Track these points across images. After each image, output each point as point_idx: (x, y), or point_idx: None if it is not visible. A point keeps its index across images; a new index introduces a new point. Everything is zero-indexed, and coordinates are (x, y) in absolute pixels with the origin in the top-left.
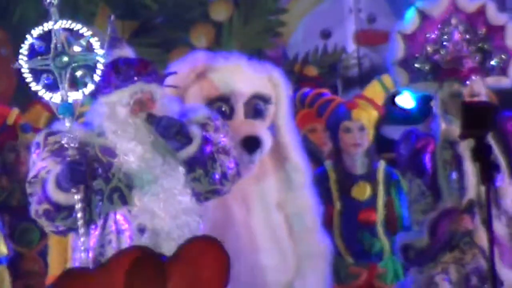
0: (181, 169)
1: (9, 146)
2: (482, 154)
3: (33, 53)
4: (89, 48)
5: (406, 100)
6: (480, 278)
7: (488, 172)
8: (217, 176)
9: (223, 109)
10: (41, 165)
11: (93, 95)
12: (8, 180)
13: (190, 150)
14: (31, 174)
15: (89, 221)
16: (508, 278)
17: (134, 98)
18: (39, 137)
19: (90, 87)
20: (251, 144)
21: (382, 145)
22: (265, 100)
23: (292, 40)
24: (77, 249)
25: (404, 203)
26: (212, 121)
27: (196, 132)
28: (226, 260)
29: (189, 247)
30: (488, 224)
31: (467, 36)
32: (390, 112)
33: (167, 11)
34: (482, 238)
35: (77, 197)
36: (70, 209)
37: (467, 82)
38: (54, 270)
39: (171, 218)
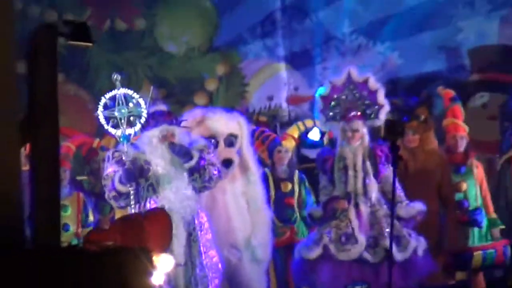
0: (185, 174)
1: (94, 159)
2: (394, 151)
3: (106, 107)
4: (137, 104)
5: (316, 134)
6: (346, 237)
7: (395, 162)
8: (206, 178)
9: (212, 141)
10: (111, 169)
11: (140, 131)
12: (94, 179)
13: (192, 163)
14: (105, 174)
15: (137, 202)
16: (361, 239)
17: (162, 134)
18: (109, 153)
19: (138, 126)
20: (228, 162)
21: (301, 159)
22: (235, 136)
23: (252, 101)
24: None
25: (308, 193)
26: (206, 148)
27: (195, 153)
28: (169, 220)
29: (154, 212)
30: (392, 202)
31: (354, 96)
32: (305, 141)
33: (182, 84)
34: (351, 214)
35: (130, 188)
36: (127, 195)
37: (353, 122)
38: None
39: (179, 202)
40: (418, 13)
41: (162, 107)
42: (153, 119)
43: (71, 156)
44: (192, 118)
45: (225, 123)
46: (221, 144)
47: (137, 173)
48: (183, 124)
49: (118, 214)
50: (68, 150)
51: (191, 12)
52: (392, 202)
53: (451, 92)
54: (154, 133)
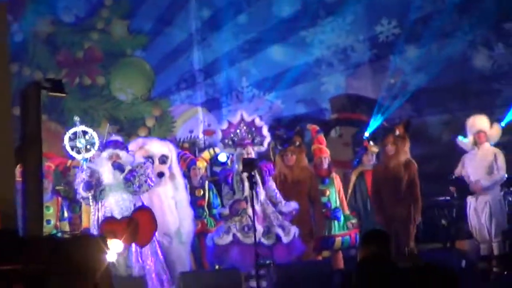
0: (122, 183)
1: (68, 174)
2: (251, 180)
3: (71, 139)
4: (91, 137)
5: (223, 157)
6: (248, 227)
7: (252, 188)
8: (137, 185)
9: (149, 160)
10: (78, 180)
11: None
12: (68, 188)
13: (124, 174)
14: (75, 183)
15: (95, 202)
16: (259, 228)
17: (109, 155)
18: (78, 171)
19: (92, 152)
20: (161, 174)
21: (212, 174)
22: (166, 157)
23: (178, 133)
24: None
25: (215, 197)
26: (141, 165)
27: (128, 167)
28: (154, 217)
29: (141, 210)
30: (252, 206)
31: (247, 130)
32: (216, 161)
33: (129, 122)
34: (249, 211)
35: (90, 194)
36: (88, 198)
37: (246, 148)
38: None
39: (116, 202)
40: (295, 72)
41: (116, 137)
42: (108, 146)
43: (52, 172)
44: (136, 144)
45: (159, 147)
46: (156, 162)
47: (93, 183)
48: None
49: (84, 212)
50: (49, 168)
51: (135, 72)
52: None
53: (316, 127)
54: (104, 154)
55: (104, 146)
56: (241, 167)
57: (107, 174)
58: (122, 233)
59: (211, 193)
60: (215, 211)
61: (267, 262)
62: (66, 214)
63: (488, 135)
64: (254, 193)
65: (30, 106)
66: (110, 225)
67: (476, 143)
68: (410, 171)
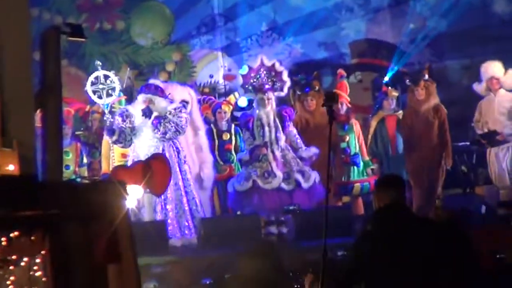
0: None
1: (87, 119)
2: (331, 113)
3: (92, 84)
4: (112, 81)
5: (243, 101)
6: (268, 174)
7: (331, 122)
8: (162, 131)
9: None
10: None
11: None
12: (87, 133)
13: (151, 120)
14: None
15: (125, 144)
16: (279, 174)
17: (143, 99)
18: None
19: (113, 97)
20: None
21: (234, 119)
22: (187, 102)
23: (198, 78)
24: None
25: (242, 141)
26: (172, 111)
27: (155, 113)
28: (168, 165)
29: (155, 158)
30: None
31: (267, 75)
32: (236, 106)
33: (149, 67)
34: (270, 157)
35: (114, 137)
36: (115, 141)
37: (266, 94)
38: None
39: (144, 147)
40: (314, 17)
41: (154, 81)
42: (145, 91)
43: (71, 117)
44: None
45: (179, 92)
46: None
47: (114, 129)
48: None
49: (104, 157)
50: (69, 113)
51: (155, 17)
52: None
53: (343, 72)
54: (139, 99)
55: (142, 90)
56: (274, 105)
57: (138, 119)
58: (134, 181)
59: (238, 136)
60: (237, 157)
61: (292, 207)
62: (85, 160)
63: (502, 81)
64: (274, 138)
65: (50, 50)
66: (120, 173)
67: (490, 89)
68: (440, 116)
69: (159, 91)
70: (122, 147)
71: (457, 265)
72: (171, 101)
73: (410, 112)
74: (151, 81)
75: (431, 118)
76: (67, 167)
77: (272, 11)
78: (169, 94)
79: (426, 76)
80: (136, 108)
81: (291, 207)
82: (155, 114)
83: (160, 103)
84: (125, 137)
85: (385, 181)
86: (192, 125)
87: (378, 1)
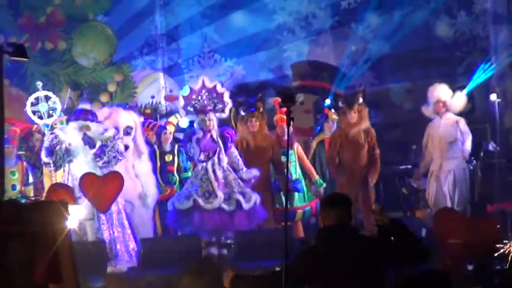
0: (90, 157)
1: (30, 139)
2: (288, 114)
3: (33, 104)
4: (53, 102)
5: (184, 122)
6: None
7: (288, 124)
8: (106, 160)
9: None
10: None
11: (66, 122)
12: (30, 153)
13: (94, 150)
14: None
15: (56, 169)
16: (220, 194)
17: (79, 126)
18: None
19: (54, 118)
20: (126, 148)
21: (177, 139)
22: (131, 128)
23: (140, 99)
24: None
25: (186, 160)
26: (111, 138)
27: (98, 143)
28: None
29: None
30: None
31: (208, 96)
32: (179, 127)
33: (91, 87)
34: (211, 176)
35: (51, 159)
36: (49, 163)
37: (207, 115)
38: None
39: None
40: (256, 38)
41: (85, 105)
42: (78, 116)
43: (17, 137)
44: (101, 114)
45: (124, 117)
46: (121, 133)
47: (54, 150)
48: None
49: (46, 177)
50: (15, 133)
51: (97, 37)
52: (285, 157)
53: (279, 99)
54: (74, 125)
55: (73, 115)
56: (216, 126)
57: (76, 145)
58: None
59: (180, 157)
60: (185, 175)
61: (228, 241)
62: (31, 179)
63: (448, 105)
64: (216, 158)
65: None
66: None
67: (437, 112)
68: (371, 139)
69: (90, 116)
70: (51, 170)
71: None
72: (103, 127)
73: (341, 134)
74: (80, 106)
75: (361, 141)
76: (14, 187)
77: (214, 32)
78: (112, 119)
79: (360, 100)
80: (69, 134)
81: (228, 241)
82: (98, 143)
83: (96, 128)
84: (57, 160)
85: (331, 200)
86: (136, 150)
87: (320, 23)
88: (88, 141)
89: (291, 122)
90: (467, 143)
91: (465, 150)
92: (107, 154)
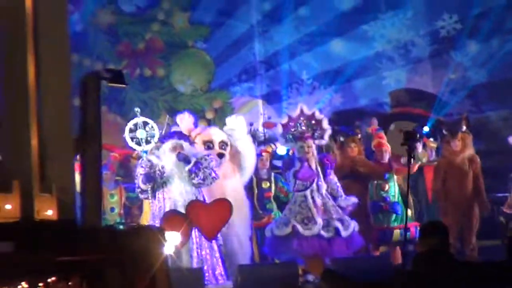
0: (186, 175)
1: (127, 165)
2: (410, 152)
3: (131, 131)
4: (152, 128)
5: (282, 150)
6: (308, 220)
7: (409, 161)
8: (201, 177)
9: (210, 145)
10: (138, 173)
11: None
12: (127, 178)
13: (190, 166)
14: (137, 174)
15: (153, 196)
16: (319, 221)
17: (173, 145)
18: (138, 162)
19: (152, 144)
20: (221, 156)
21: (272, 167)
22: (226, 143)
23: None
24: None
25: (286, 184)
26: (205, 156)
27: (193, 159)
28: (230, 206)
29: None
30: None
31: (307, 123)
32: (275, 154)
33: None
34: (310, 203)
35: (149, 186)
36: (147, 191)
37: (306, 141)
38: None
39: (179, 194)
40: (355, 65)
41: (177, 128)
42: (171, 137)
43: (116, 163)
44: (194, 132)
45: (219, 133)
46: (216, 146)
47: (153, 176)
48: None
49: (145, 203)
50: (115, 158)
51: (195, 64)
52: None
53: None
54: (168, 145)
55: (166, 137)
56: (315, 153)
57: (170, 166)
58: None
59: (279, 182)
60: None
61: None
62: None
63: None
64: (315, 185)
65: (90, 96)
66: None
67: None
68: (475, 167)
69: (183, 137)
70: (147, 197)
71: None
72: (194, 146)
73: (445, 163)
74: (173, 129)
75: (466, 169)
76: (112, 209)
77: (312, 60)
78: (205, 135)
79: (464, 127)
80: (162, 155)
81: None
82: (193, 160)
83: (189, 148)
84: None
85: (429, 227)
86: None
87: (419, 51)
88: (183, 158)
89: (412, 160)
90: None
91: None
92: (203, 171)
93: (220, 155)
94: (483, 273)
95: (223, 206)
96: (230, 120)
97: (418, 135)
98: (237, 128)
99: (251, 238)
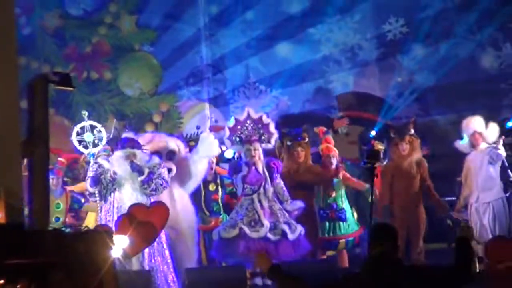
0: (138, 184)
1: (75, 168)
2: (372, 172)
3: (78, 134)
4: (99, 132)
5: (229, 153)
6: (255, 222)
7: (372, 180)
8: (153, 187)
9: (156, 155)
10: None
11: (112, 151)
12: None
13: (143, 177)
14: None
15: (101, 200)
16: (266, 223)
17: (125, 154)
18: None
19: (100, 147)
20: (169, 171)
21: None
22: (174, 152)
23: (185, 129)
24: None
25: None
26: (157, 165)
27: (146, 170)
28: (167, 209)
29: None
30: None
31: (254, 127)
32: (222, 157)
33: (136, 117)
34: (257, 206)
35: (96, 189)
36: (95, 194)
37: (253, 144)
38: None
39: (130, 202)
40: (302, 69)
41: (129, 134)
42: (124, 144)
43: (64, 168)
44: (143, 140)
45: (166, 142)
46: (164, 157)
47: (101, 179)
48: (143, 148)
49: (90, 208)
50: (62, 164)
51: (142, 67)
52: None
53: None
54: (120, 154)
55: (119, 143)
56: (262, 156)
57: (122, 173)
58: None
59: (224, 186)
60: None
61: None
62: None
63: (484, 136)
64: (262, 190)
65: (38, 99)
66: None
67: (473, 145)
68: (423, 171)
69: (136, 145)
70: (96, 201)
71: None
72: (149, 155)
73: (392, 166)
74: (125, 135)
75: (413, 172)
76: (57, 219)
77: (259, 63)
78: (154, 144)
79: (411, 131)
80: (114, 162)
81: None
82: (146, 171)
83: (141, 156)
84: (102, 190)
85: (378, 230)
86: (180, 176)
87: (366, 54)
88: (137, 169)
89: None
90: (498, 167)
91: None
92: (155, 182)
93: (168, 169)
94: (430, 277)
95: (160, 209)
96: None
97: (381, 155)
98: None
99: (198, 242)
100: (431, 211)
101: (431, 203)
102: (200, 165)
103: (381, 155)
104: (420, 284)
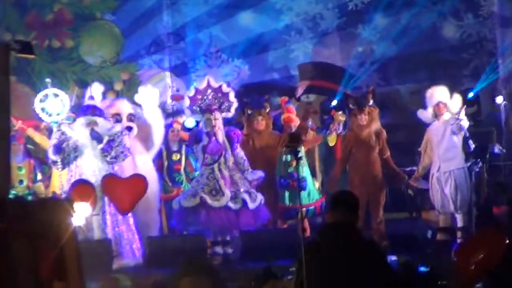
0: (99, 152)
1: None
2: (296, 154)
3: (40, 101)
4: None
5: (190, 122)
6: (216, 191)
7: (297, 164)
8: (113, 155)
9: (118, 118)
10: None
11: (74, 118)
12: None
13: (102, 145)
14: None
15: (64, 167)
16: (227, 192)
17: (87, 122)
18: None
19: (63, 115)
20: (129, 129)
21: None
22: (134, 115)
23: None
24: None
25: (196, 161)
26: (118, 134)
27: (106, 138)
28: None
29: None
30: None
31: (214, 96)
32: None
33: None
34: (218, 175)
35: (59, 157)
36: (57, 161)
37: (213, 114)
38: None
39: (91, 170)
40: (263, 38)
41: (91, 102)
42: (86, 112)
43: (25, 134)
44: (104, 105)
45: (127, 105)
46: (124, 119)
47: (64, 147)
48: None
49: (54, 175)
50: (23, 130)
51: (104, 36)
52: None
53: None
54: (82, 121)
55: (81, 111)
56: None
57: (83, 141)
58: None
59: (190, 157)
60: (196, 174)
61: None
62: (39, 176)
63: (448, 106)
64: (222, 158)
65: None
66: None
67: (436, 115)
68: (381, 140)
69: (98, 112)
70: (59, 168)
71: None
72: (110, 121)
73: (351, 136)
74: (88, 102)
75: (372, 143)
76: (21, 182)
77: (221, 32)
78: (115, 108)
79: (370, 101)
80: (76, 130)
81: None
82: (106, 138)
83: (103, 124)
84: (65, 158)
85: (336, 198)
86: (143, 144)
87: (327, 24)
88: (96, 137)
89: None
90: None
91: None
92: (115, 149)
93: (128, 128)
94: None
95: (139, 182)
96: (142, 90)
97: (302, 138)
98: (148, 100)
99: (160, 210)
100: (391, 181)
101: (390, 173)
102: (158, 130)
103: (302, 139)
104: (369, 258)
